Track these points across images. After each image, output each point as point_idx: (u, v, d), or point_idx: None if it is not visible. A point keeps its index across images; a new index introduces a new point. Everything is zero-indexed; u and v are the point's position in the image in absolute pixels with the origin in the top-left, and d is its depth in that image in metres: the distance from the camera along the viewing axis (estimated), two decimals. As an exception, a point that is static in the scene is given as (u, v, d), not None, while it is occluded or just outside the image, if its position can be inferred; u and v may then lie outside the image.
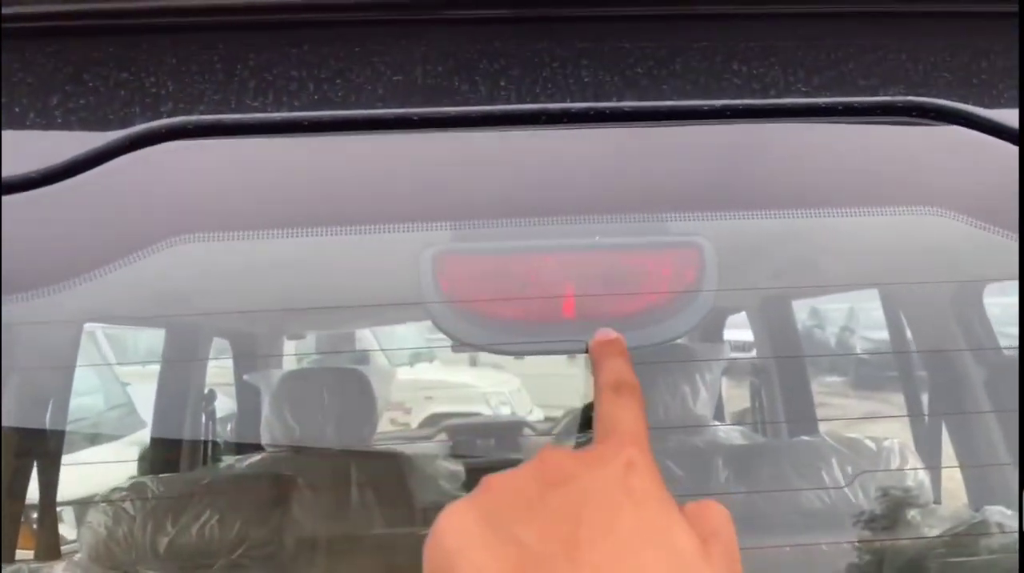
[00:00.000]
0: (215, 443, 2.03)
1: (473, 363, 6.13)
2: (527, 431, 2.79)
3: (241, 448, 1.89)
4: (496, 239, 0.59)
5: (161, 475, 1.57)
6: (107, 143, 0.49)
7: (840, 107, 0.52)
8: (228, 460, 1.78)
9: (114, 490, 1.15)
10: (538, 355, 0.64)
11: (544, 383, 4.29)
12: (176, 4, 0.55)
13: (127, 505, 1.10)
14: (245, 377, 2.11)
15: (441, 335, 0.67)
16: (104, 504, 1.11)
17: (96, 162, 0.49)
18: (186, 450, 1.93)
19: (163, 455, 1.76)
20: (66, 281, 0.53)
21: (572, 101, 0.52)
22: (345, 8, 0.56)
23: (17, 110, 0.53)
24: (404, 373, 4.52)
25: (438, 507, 0.40)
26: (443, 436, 2.56)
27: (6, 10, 0.53)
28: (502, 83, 0.53)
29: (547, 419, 2.96)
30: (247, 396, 2.11)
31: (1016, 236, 0.54)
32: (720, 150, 0.55)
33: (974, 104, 0.51)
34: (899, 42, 0.57)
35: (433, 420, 3.85)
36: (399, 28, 0.56)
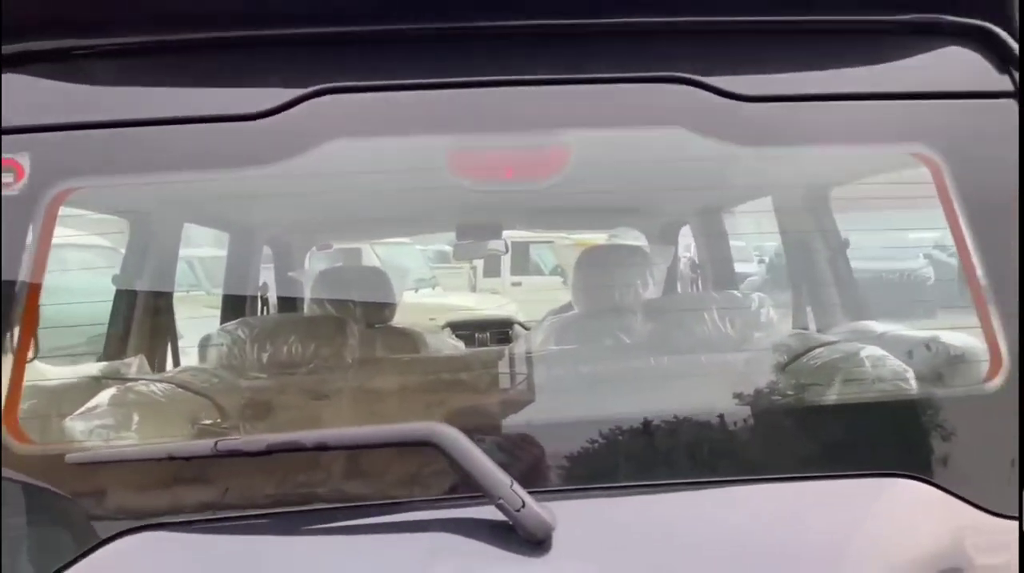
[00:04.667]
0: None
1: (472, 289, 6.65)
2: (515, 326, 3.37)
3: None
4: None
5: (258, 316, 2.15)
6: (293, 97, 1.04)
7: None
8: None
9: (229, 323, 1.72)
10: None
11: (532, 301, 4.84)
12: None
13: (240, 333, 1.67)
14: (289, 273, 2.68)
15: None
16: (224, 331, 1.68)
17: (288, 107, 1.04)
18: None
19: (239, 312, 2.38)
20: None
21: None
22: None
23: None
24: (409, 298, 5.04)
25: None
26: (448, 329, 3.12)
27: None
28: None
29: (530, 320, 3.51)
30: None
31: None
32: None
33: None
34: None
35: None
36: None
